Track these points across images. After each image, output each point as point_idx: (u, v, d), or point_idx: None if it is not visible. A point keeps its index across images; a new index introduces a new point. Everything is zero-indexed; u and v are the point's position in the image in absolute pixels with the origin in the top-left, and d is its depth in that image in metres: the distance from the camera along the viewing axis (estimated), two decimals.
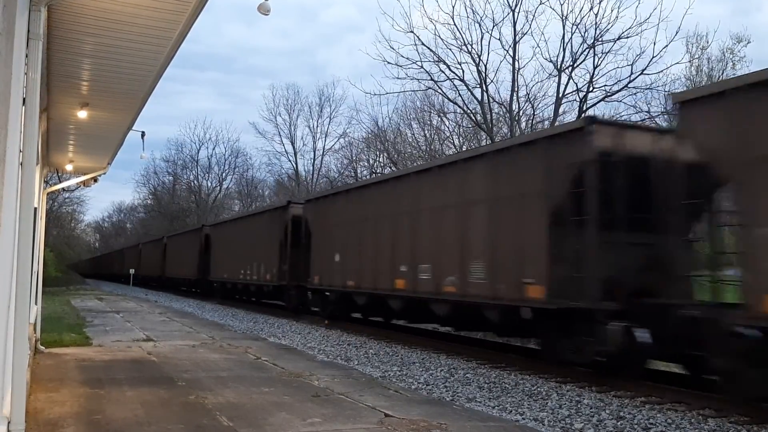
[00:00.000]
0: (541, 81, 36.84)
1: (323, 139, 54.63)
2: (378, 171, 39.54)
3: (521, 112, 29.28)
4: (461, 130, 34.20)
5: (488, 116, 28.66)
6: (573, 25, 26.63)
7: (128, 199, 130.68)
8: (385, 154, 39.57)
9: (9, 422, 4.62)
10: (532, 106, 29.41)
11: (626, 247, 10.17)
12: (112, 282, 66.08)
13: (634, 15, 41.15)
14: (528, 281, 11.21)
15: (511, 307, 11.68)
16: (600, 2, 29.47)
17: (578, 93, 27.34)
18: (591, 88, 26.81)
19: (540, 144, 11.55)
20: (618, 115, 25.61)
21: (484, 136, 29.72)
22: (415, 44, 28.84)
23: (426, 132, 37.16)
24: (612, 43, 25.89)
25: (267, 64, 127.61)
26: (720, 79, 26.88)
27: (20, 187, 4.63)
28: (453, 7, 36.00)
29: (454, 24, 30.52)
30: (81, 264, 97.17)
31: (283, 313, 23.56)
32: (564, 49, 26.87)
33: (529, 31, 32.01)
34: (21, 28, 4.18)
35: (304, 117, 56.60)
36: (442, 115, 34.71)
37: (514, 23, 27.48)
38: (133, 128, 10.18)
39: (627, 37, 25.41)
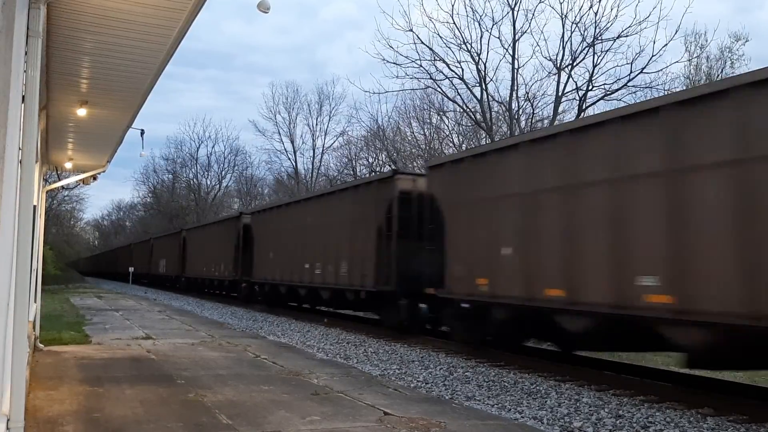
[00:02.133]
0: (541, 79, 36.91)
1: (323, 137, 54.44)
2: (377, 169, 39.53)
3: (521, 110, 29.28)
4: (461, 128, 34.21)
5: (488, 115, 28.64)
6: (572, 23, 26.62)
7: (127, 198, 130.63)
8: (385, 153, 39.57)
9: (8, 420, 4.61)
10: (532, 105, 29.39)
11: (415, 251, 15.18)
12: (111, 280, 66.11)
13: (633, 13, 41.17)
14: (365, 274, 16.90)
15: (358, 291, 17.45)
16: (600, 1, 29.45)
17: (578, 92, 27.35)
18: (590, 87, 26.82)
19: (374, 184, 17.52)
20: None
21: (484, 135, 29.72)
22: (414, 43, 28.83)
23: (425, 131, 37.16)
24: (611, 42, 25.89)
25: (266, 61, 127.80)
26: (720, 77, 26.89)
27: (19, 185, 4.62)
28: (452, 5, 35.76)
29: (454, 23, 30.46)
30: (80, 262, 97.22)
31: (283, 311, 23.75)
32: (563, 48, 26.87)
33: (529, 30, 31.81)
34: (20, 25, 4.17)
35: (304, 115, 56.53)
36: (441, 113, 34.71)
37: (514, 22, 27.47)
38: (133, 126, 10.18)
39: (626, 36, 25.39)
